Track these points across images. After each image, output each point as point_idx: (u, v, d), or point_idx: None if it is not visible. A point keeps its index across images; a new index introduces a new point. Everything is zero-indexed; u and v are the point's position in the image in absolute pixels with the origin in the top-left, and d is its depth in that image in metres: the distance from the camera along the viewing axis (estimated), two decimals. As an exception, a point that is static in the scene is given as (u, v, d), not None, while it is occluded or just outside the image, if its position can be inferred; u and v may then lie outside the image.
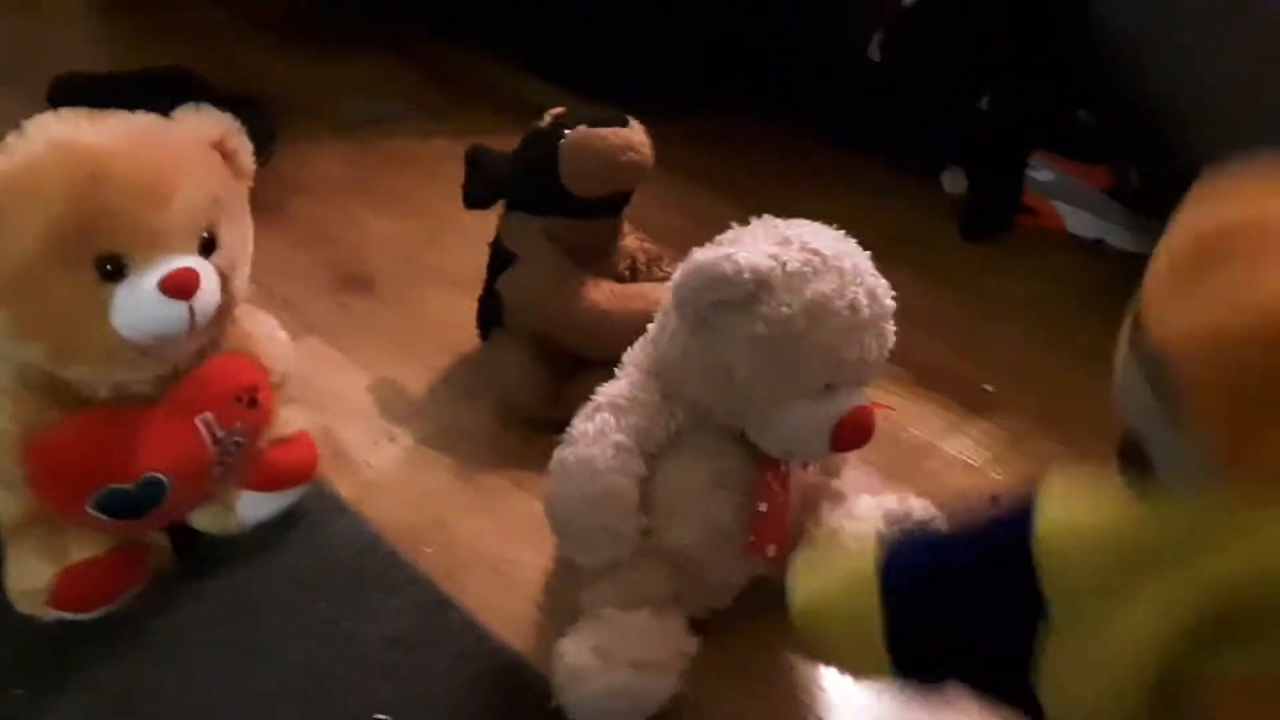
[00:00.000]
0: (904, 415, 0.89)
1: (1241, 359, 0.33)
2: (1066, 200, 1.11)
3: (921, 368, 0.93)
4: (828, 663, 0.61)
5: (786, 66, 1.33)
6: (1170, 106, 0.89)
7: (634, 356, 0.70)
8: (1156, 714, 0.37)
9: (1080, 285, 1.05)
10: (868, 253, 0.65)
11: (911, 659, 0.46)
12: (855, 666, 0.50)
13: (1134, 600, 0.36)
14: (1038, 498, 0.41)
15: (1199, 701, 0.36)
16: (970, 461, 0.86)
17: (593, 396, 0.68)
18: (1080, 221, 1.11)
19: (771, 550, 0.67)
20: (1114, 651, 0.36)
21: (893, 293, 0.64)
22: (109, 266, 0.63)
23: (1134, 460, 0.40)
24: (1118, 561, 0.37)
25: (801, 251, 0.62)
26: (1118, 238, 1.08)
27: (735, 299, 0.61)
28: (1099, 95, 1.06)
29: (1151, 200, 1.04)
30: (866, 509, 0.72)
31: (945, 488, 0.82)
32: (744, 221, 0.66)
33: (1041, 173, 1.10)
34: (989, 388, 0.93)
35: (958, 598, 0.44)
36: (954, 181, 1.18)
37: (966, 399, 0.91)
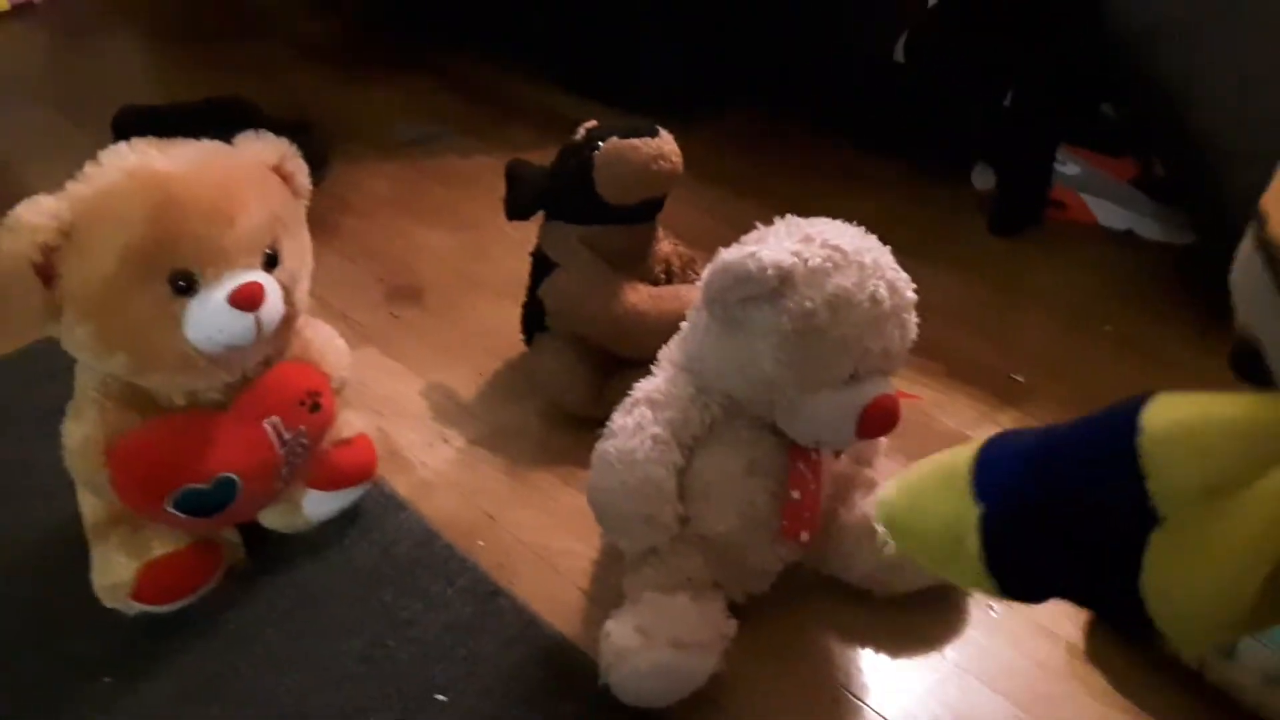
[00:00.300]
0: (936, 405, 0.91)
1: None
2: (1094, 193, 1.12)
3: (953, 359, 0.95)
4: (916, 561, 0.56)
5: (813, 70, 1.36)
6: (1188, 96, 0.90)
7: (668, 353, 0.74)
8: (1263, 615, 0.36)
9: (1109, 275, 1.06)
10: (888, 248, 0.67)
11: (1014, 581, 0.44)
12: (943, 574, 0.47)
13: (1253, 494, 0.35)
14: (1142, 402, 0.39)
15: None
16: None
17: (631, 392, 0.72)
18: (1109, 213, 1.12)
19: (804, 536, 0.70)
20: (1231, 548, 0.35)
21: (913, 285, 0.67)
22: (181, 282, 0.69)
23: (1249, 365, 0.39)
24: (1234, 455, 0.36)
25: (823, 248, 0.65)
26: (1146, 228, 1.09)
27: (761, 295, 0.64)
28: (1120, 88, 1.08)
29: (1176, 190, 1.05)
30: (896, 494, 0.74)
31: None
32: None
33: (1068, 166, 1.12)
34: (1019, 378, 0.94)
35: (1057, 511, 0.41)
36: (983, 177, 1.20)
37: (997, 389, 0.93)
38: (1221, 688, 0.66)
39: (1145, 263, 1.05)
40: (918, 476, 0.47)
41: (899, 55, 1.23)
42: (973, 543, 0.43)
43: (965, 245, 1.13)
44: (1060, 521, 0.41)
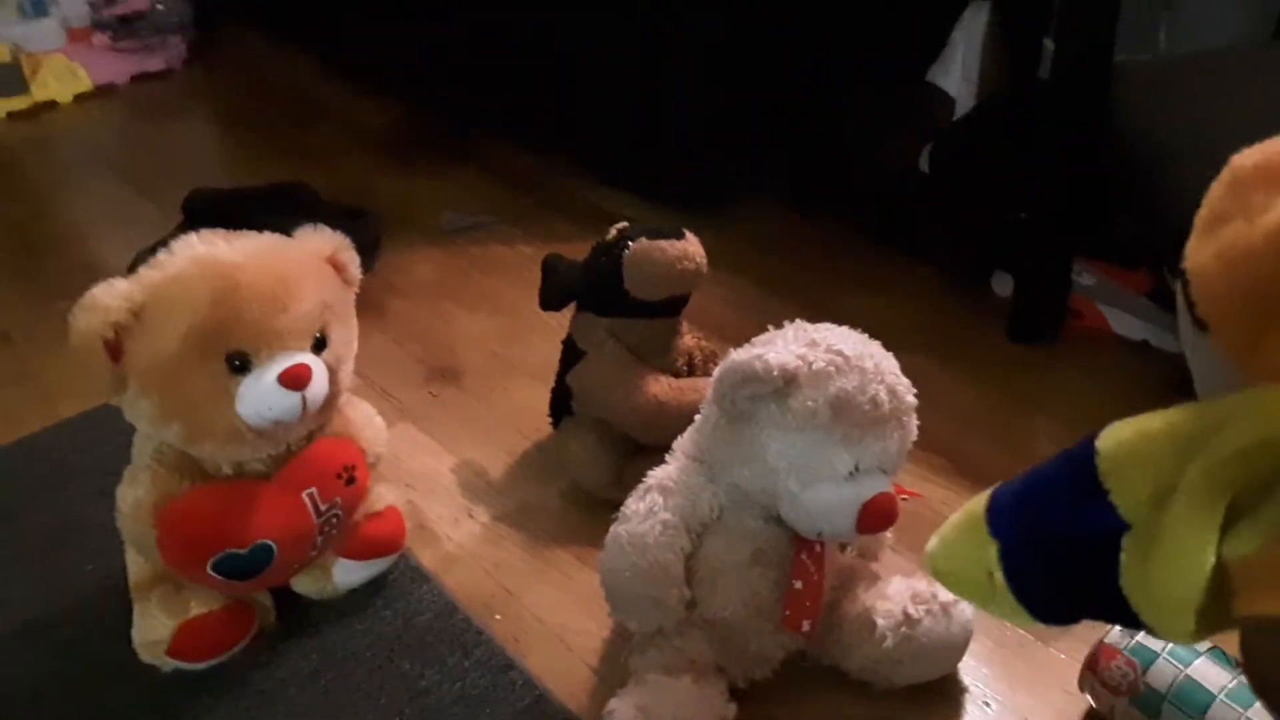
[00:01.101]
0: (943, 503, 0.94)
1: (1250, 271, 0.38)
2: (1109, 303, 1.16)
3: (963, 460, 0.98)
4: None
5: (842, 174, 1.42)
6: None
7: (682, 444, 0.78)
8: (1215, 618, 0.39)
9: (1124, 383, 1.09)
10: (890, 354, 0.72)
11: (1040, 605, 0.47)
12: (993, 611, 0.50)
13: (1181, 487, 0.39)
14: (1097, 432, 0.44)
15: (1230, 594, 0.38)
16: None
17: (644, 479, 0.76)
18: (1124, 323, 1.15)
19: (806, 625, 0.73)
20: (1174, 536, 0.39)
21: (914, 390, 0.71)
22: (237, 362, 0.75)
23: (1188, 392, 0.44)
24: (1169, 459, 0.40)
25: (826, 353, 0.69)
26: (1161, 339, 1.12)
27: (766, 393, 0.69)
28: (1135, 202, 1.12)
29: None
30: (897, 589, 0.77)
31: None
32: (800, 318, 0.74)
33: (1084, 277, 1.16)
34: (1026, 479, 0.97)
35: (1049, 533, 0.45)
36: (1003, 285, 1.24)
37: (1004, 490, 0.96)
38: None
39: (1159, 373, 1.08)
40: (949, 526, 0.51)
41: (924, 165, 1.28)
42: (998, 577, 0.48)
43: (983, 350, 1.16)
44: (1053, 545, 0.46)
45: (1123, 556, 0.42)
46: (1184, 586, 0.39)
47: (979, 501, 0.50)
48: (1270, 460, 0.36)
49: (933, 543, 0.52)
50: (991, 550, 0.48)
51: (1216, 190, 0.43)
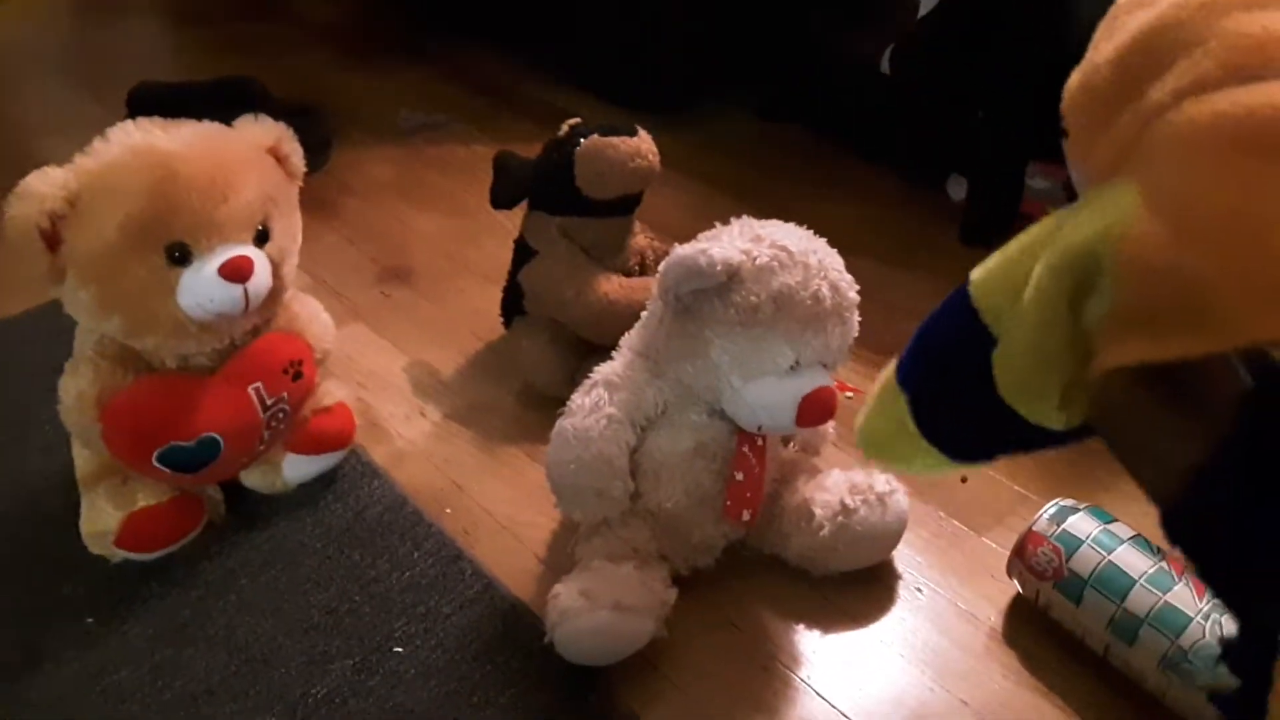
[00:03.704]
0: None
1: (1093, 79, 0.43)
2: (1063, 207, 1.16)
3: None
4: (897, 470, 0.69)
5: (802, 75, 1.40)
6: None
7: (629, 340, 0.79)
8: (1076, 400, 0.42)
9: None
10: (835, 250, 0.72)
11: (949, 442, 0.50)
12: (917, 467, 0.53)
13: (1029, 286, 0.42)
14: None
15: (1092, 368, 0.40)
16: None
17: (590, 375, 0.77)
18: (1076, 228, 1.16)
19: (746, 515, 0.75)
20: (1023, 324, 0.42)
21: (856, 286, 0.72)
22: (176, 253, 0.74)
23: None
24: (1021, 265, 0.43)
25: (770, 248, 0.70)
26: (1110, 243, 1.13)
27: (710, 288, 0.69)
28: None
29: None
30: (835, 481, 0.79)
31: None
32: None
33: (1038, 181, 1.16)
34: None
35: (943, 370, 0.49)
36: (958, 188, 1.24)
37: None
38: (1123, 672, 0.70)
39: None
40: (869, 397, 0.54)
41: (884, 66, 1.27)
42: (911, 426, 0.51)
43: (936, 253, 1.17)
44: (948, 381, 0.49)
45: (995, 372, 0.45)
46: (1040, 358, 0.42)
47: (890, 366, 0.53)
48: (1102, 250, 0.38)
49: (859, 418, 0.55)
50: (902, 402, 0.50)
51: (1101, 21, 0.46)
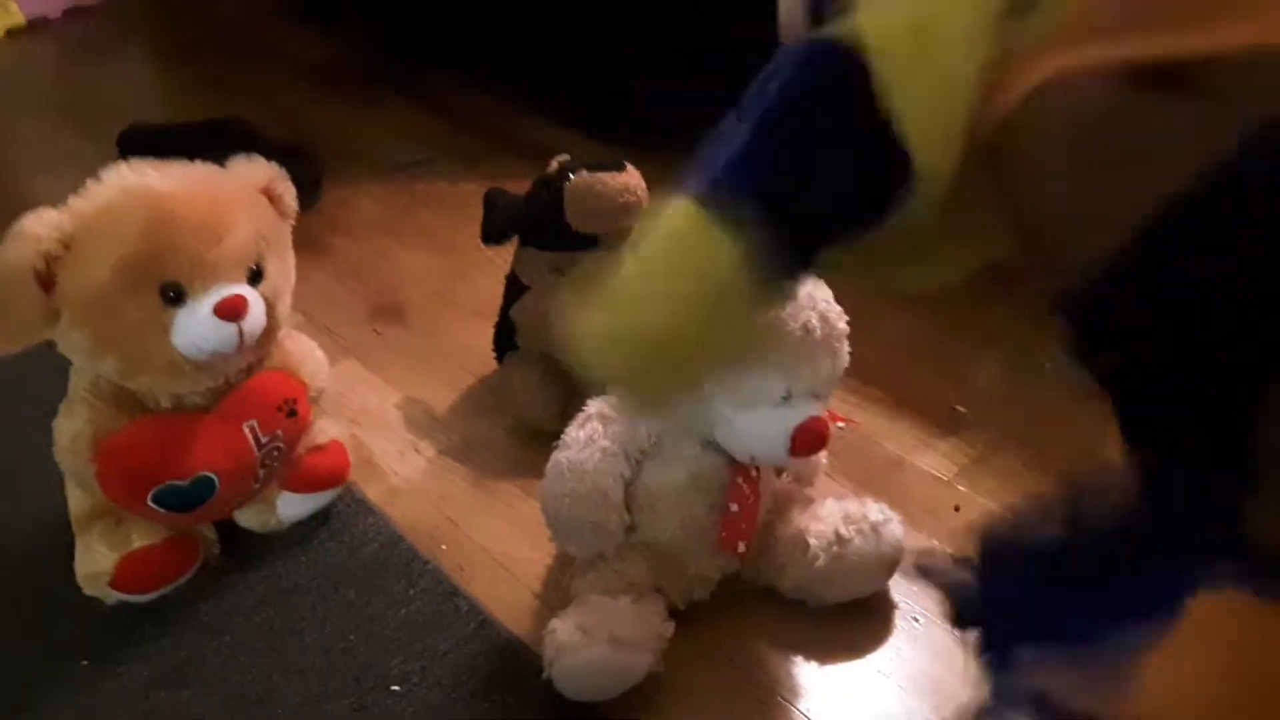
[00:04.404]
0: (878, 431, 0.97)
1: None
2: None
3: (898, 388, 1.00)
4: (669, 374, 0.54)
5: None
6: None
7: (622, 373, 0.79)
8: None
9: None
10: (824, 281, 0.73)
11: (804, 235, 0.44)
12: (712, 343, 0.47)
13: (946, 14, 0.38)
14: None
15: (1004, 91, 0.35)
16: (939, 475, 0.93)
17: (584, 408, 0.77)
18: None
19: (741, 547, 0.75)
20: (944, 56, 0.37)
21: (846, 317, 0.73)
22: (171, 293, 0.74)
23: None
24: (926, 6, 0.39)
25: (762, 281, 0.70)
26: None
27: (702, 321, 0.70)
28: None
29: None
30: (829, 511, 0.80)
31: (914, 499, 0.89)
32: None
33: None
34: (960, 408, 1.00)
35: (810, 142, 0.42)
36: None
37: (939, 418, 0.98)
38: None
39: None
40: (628, 286, 0.48)
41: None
42: (737, 282, 0.44)
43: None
44: (827, 162, 0.43)
45: (900, 113, 0.39)
46: (960, 60, 0.37)
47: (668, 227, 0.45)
48: None
49: (587, 325, 0.49)
50: (726, 247, 0.43)
51: None
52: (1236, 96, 0.28)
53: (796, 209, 0.43)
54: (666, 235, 0.46)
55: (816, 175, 0.43)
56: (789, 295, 0.46)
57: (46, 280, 0.73)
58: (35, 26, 1.92)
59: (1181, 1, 0.30)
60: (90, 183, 0.76)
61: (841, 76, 0.40)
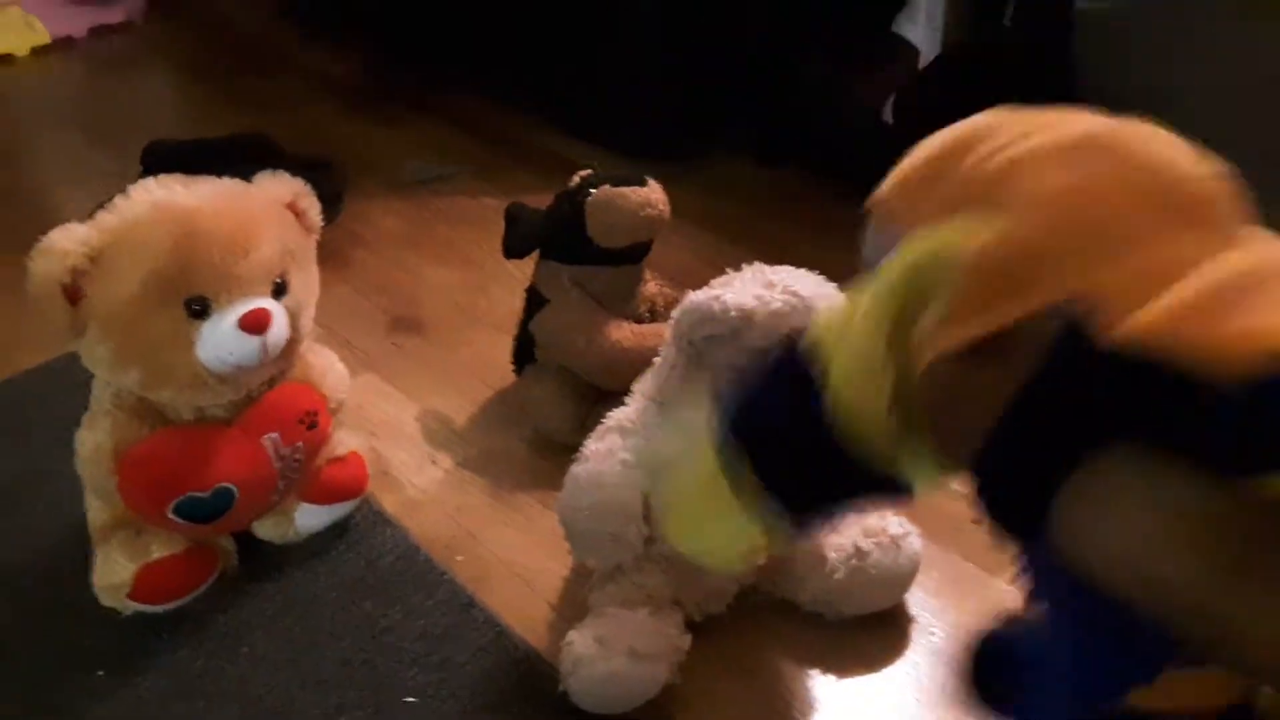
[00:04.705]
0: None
1: (901, 185, 0.47)
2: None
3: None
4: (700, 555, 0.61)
5: (807, 123, 1.42)
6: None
7: (641, 385, 0.80)
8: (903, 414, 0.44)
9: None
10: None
11: (791, 493, 0.49)
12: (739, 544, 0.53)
13: (854, 319, 0.45)
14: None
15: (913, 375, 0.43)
16: (958, 488, 0.92)
17: (603, 420, 0.77)
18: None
19: (760, 560, 0.75)
20: (859, 345, 0.44)
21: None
22: (196, 307, 0.75)
23: None
24: (847, 311, 0.46)
25: (783, 294, 0.71)
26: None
27: (723, 333, 0.70)
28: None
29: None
30: (848, 523, 0.79)
31: (933, 513, 0.88)
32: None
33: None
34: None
35: (778, 425, 0.48)
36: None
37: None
38: None
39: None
40: (685, 508, 0.54)
41: (887, 115, 1.29)
42: (751, 483, 0.49)
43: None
44: (782, 432, 0.49)
45: (830, 402, 0.45)
46: (868, 369, 0.44)
47: (709, 471, 0.51)
48: (930, 269, 0.42)
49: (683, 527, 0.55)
50: (729, 473, 0.49)
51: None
52: (1024, 349, 0.39)
53: (783, 485, 0.49)
54: (700, 469, 0.52)
55: (787, 461, 0.49)
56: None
57: (73, 294, 0.73)
58: (60, 45, 1.95)
59: (990, 299, 0.40)
60: (118, 198, 0.77)
61: (793, 364, 0.48)
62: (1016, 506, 0.42)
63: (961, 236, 0.41)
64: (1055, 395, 0.39)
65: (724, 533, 0.52)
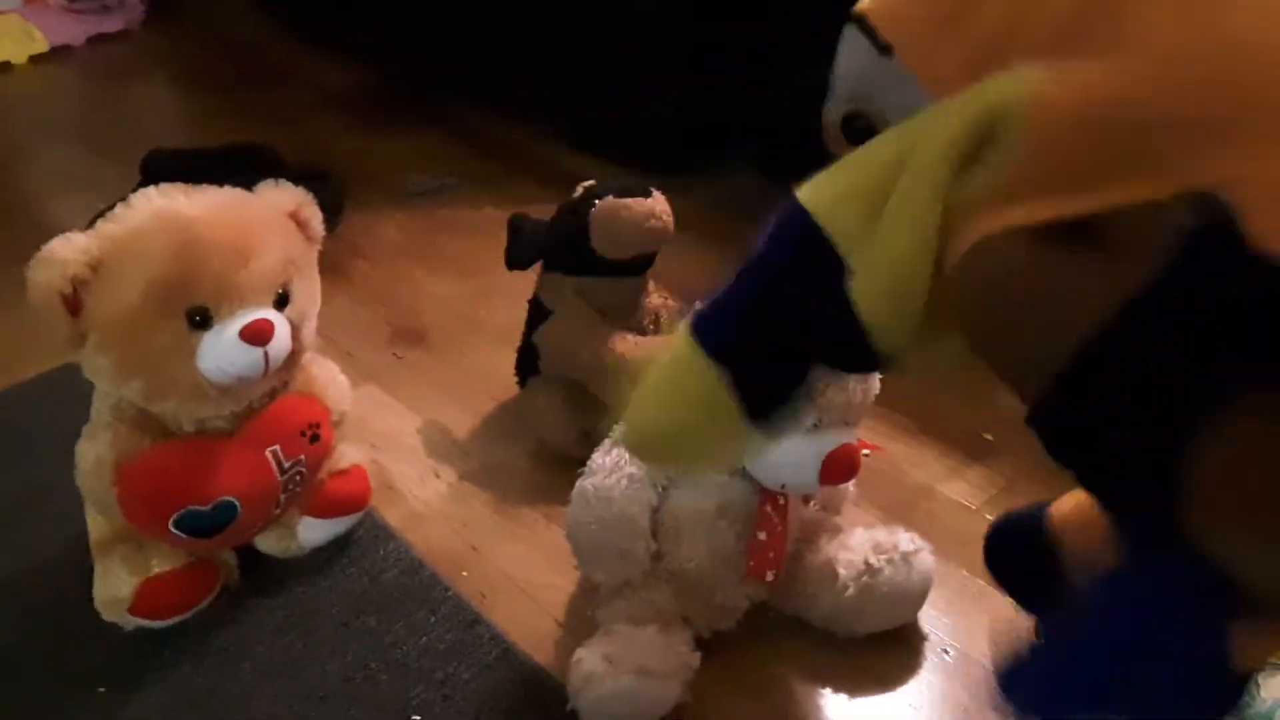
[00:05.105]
0: (906, 459, 0.95)
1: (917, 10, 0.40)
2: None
3: (926, 416, 0.99)
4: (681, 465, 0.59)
5: (810, 136, 1.42)
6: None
7: (648, 399, 0.79)
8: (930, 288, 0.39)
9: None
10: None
11: (760, 398, 0.45)
12: (710, 460, 0.51)
13: (890, 202, 0.39)
14: (793, 199, 0.45)
15: (950, 237, 0.37)
16: (967, 504, 0.92)
17: (610, 433, 0.76)
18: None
19: (769, 576, 0.74)
20: (885, 240, 0.39)
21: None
22: (198, 317, 0.74)
23: (858, 130, 0.45)
24: (874, 184, 0.40)
25: (791, 305, 0.70)
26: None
27: (732, 347, 0.69)
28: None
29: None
30: (859, 540, 0.79)
31: (942, 528, 0.88)
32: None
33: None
34: (989, 436, 0.99)
35: (783, 322, 0.44)
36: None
37: (967, 446, 0.97)
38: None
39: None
40: (640, 389, 0.49)
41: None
42: (727, 407, 0.46)
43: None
44: (786, 330, 0.45)
45: (853, 293, 0.41)
46: (913, 262, 0.38)
47: (677, 347, 0.47)
48: (1008, 114, 0.34)
49: (628, 416, 0.50)
50: (711, 379, 0.45)
51: None
52: (1135, 244, 0.31)
53: (755, 373, 0.46)
54: (671, 354, 0.49)
55: (776, 342, 0.45)
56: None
57: (74, 304, 0.72)
58: (59, 53, 1.94)
59: (1083, 170, 0.32)
60: (120, 206, 0.76)
61: (806, 244, 0.43)
62: (1117, 453, 0.34)
63: (1032, 88, 0.33)
64: (1187, 311, 0.30)
65: (684, 424, 0.48)
